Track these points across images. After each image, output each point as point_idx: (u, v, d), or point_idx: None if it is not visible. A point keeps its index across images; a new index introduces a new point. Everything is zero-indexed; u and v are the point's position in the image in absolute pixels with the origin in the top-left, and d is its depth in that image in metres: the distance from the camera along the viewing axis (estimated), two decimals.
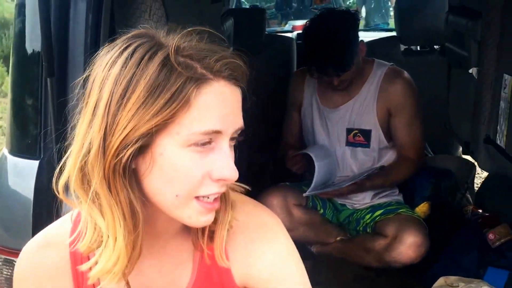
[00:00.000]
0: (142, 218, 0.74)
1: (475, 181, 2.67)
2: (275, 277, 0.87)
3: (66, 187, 0.76)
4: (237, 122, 0.74)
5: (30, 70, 1.18)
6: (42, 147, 1.14)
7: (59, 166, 0.76)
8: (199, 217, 0.76)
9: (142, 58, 0.70)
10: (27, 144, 1.18)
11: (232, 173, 0.73)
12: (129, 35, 0.74)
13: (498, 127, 1.54)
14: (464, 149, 2.06)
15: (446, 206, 2.14)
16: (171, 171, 0.72)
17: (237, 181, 0.83)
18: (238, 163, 0.84)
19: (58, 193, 0.77)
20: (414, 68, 2.21)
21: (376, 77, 2.01)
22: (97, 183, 0.71)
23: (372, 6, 6.65)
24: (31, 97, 1.16)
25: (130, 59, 0.70)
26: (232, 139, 0.76)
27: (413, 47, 2.87)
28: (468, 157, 2.30)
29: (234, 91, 0.74)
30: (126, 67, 0.70)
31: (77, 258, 0.83)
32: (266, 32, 3.13)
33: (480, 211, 2.04)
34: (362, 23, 6.14)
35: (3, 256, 1.16)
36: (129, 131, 0.69)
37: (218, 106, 0.71)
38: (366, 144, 2.03)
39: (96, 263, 0.76)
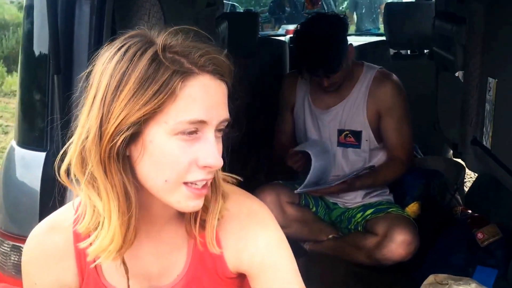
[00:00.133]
0: (135, 200, 0.80)
1: (466, 183, 2.74)
2: (266, 262, 0.92)
3: (69, 174, 0.83)
4: (221, 113, 0.80)
5: (38, 67, 1.24)
6: (48, 139, 1.20)
7: (60, 153, 0.83)
8: (188, 202, 0.81)
9: (134, 55, 0.77)
10: (35, 137, 1.24)
11: (216, 160, 0.79)
12: (126, 35, 0.81)
13: (484, 129, 1.56)
14: (453, 150, 2.11)
15: (436, 206, 2.19)
16: (160, 158, 0.78)
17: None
18: (233, 162, 0.90)
19: (60, 177, 0.84)
20: (403, 71, 2.26)
21: (365, 80, 2.06)
22: (94, 166, 0.78)
23: (363, 11, 6.74)
24: (39, 93, 1.23)
25: (124, 55, 0.77)
26: (219, 130, 0.82)
27: (402, 51, 2.93)
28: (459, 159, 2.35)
29: (219, 85, 0.80)
30: (120, 63, 0.77)
31: (79, 240, 0.88)
32: (259, 36, 3.19)
33: (470, 211, 2.09)
34: (353, 28, 6.23)
35: (11, 243, 1.21)
36: (122, 119, 0.76)
37: (203, 97, 0.78)
38: (357, 144, 2.07)
39: (93, 242, 0.83)
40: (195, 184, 0.80)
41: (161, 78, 0.75)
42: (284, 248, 0.94)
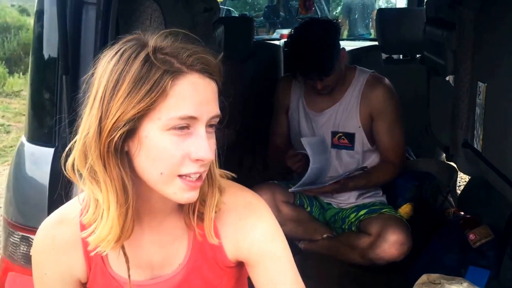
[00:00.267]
0: (131, 193, 0.85)
1: (460, 186, 2.77)
2: (264, 251, 0.97)
3: (76, 169, 0.88)
4: (211, 110, 0.85)
5: (47, 68, 1.29)
6: (57, 136, 1.25)
7: (67, 149, 0.89)
8: (183, 194, 0.86)
9: (129, 57, 0.82)
10: (44, 133, 1.30)
11: (207, 154, 0.84)
12: (123, 40, 0.87)
13: (475, 132, 1.58)
14: (445, 153, 2.14)
15: (428, 208, 2.21)
16: (154, 152, 0.83)
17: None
18: (229, 162, 0.95)
19: (66, 171, 0.89)
20: (395, 75, 2.29)
21: (358, 83, 2.10)
22: (94, 160, 0.84)
23: (356, 16, 6.82)
24: (48, 92, 1.28)
25: (120, 58, 0.83)
26: (211, 126, 0.87)
27: (394, 56, 2.97)
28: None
29: (208, 83, 0.85)
30: (117, 65, 0.83)
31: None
32: (254, 40, 3.22)
33: (462, 213, 2.11)
34: (345, 33, 6.30)
35: (21, 233, 1.26)
36: (119, 116, 0.81)
37: (192, 95, 0.83)
38: (350, 146, 2.11)
39: (93, 232, 0.88)
40: (189, 176, 0.85)
41: (152, 78, 0.81)
42: (280, 238, 0.99)
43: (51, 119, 1.27)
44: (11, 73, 7.71)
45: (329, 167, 2.10)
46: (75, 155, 0.87)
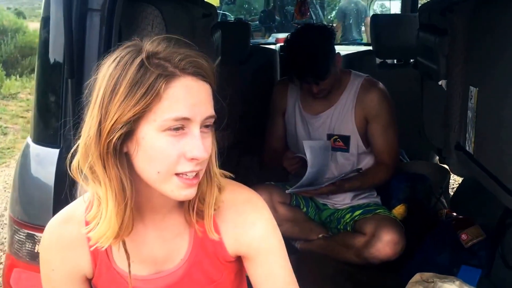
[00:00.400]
0: (129, 192, 0.89)
1: (454, 188, 2.80)
2: (264, 245, 1.02)
3: (80, 169, 0.93)
4: (205, 111, 0.90)
5: (53, 72, 1.33)
6: (62, 137, 1.29)
7: (72, 150, 0.93)
8: (180, 191, 0.90)
9: (126, 62, 0.87)
10: (49, 135, 1.33)
11: (202, 153, 0.88)
12: (122, 46, 0.91)
13: (467, 135, 1.60)
14: (437, 155, 2.17)
15: (422, 208, 2.25)
16: (151, 152, 0.88)
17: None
18: (226, 164, 0.99)
19: (71, 171, 0.93)
20: (389, 80, 2.33)
21: (353, 87, 2.15)
22: (94, 161, 0.88)
23: (351, 22, 6.89)
24: (54, 95, 1.32)
25: (118, 64, 0.88)
26: (206, 126, 0.91)
27: (388, 61, 3.00)
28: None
29: (201, 85, 0.90)
30: (115, 70, 0.87)
31: None
32: (251, 44, 3.26)
33: (455, 214, 2.13)
34: (339, 38, 6.36)
35: (26, 231, 1.30)
36: (117, 119, 0.86)
37: (185, 97, 0.87)
38: (346, 149, 2.15)
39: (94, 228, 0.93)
40: (186, 175, 0.89)
41: (147, 82, 0.85)
42: (277, 233, 1.05)
43: (57, 121, 1.31)
44: (8, 75, 7.73)
45: (327, 170, 2.13)
46: (79, 157, 0.92)
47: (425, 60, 2.01)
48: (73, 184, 1.17)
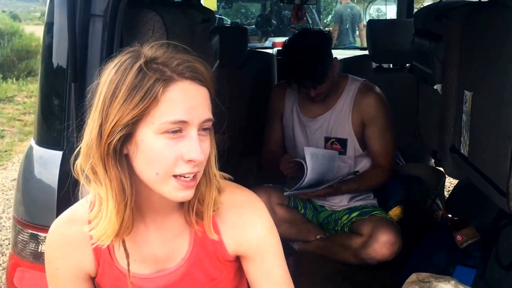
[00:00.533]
0: (129, 193, 0.92)
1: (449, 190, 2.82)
2: (263, 245, 1.05)
3: (82, 170, 0.95)
4: (202, 114, 0.92)
5: (56, 76, 1.36)
6: (65, 139, 1.32)
7: (75, 152, 0.96)
8: (178, 193, 0.93)
9: (126, 67, 0.90)
10: (53, 137, 1.36)
11: (198, 155, 0.91)
12: (123, 51, 0.95)
13: (461, 138, 1.62)
14: (433, 157, 2.20)
15: (418, 210, 2.27)
16: (150, 154, 0.90)
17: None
18: (224, 167, 1.02)
19: (75, 173, 0.96)
20: (385, 84, 2.36)
21: (350, 91, 2.18)
22: (95, 162, 0.91)
23: (347, 27, 6.96)
24: (57, 98, 1.35)
25: (119, 68, 0.91)
26: (204, 129, 0.94)
27: (384, 65, 3.04)
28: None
29: (199, 89, 0.92)
30: (115, 75, 0.90)
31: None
32: (248, 48, 3.29)
33: (450, 215, 2.16)
34: (334, 42, 6.42)
35: (30, 231, 1.32)
36: (116, 121, 0.89)
37: (183, 100, 0.90)
38: (343, 151, 2.18)
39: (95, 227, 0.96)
40: (184, 176, 0.92)
41: (145, 86, 0.88)
42: (275, 233, 1.08)
43: (60, 123, 1.33)
44: (4, 78, 7.74)
45: (331, 179, 2.12)
46: (81, 158, 0.94)
47: (421, 64, 2.03)
48: (76, 185, 1.19)
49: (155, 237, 1.04)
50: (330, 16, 9.18)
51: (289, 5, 5.04)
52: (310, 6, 5.52)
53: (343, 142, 2.19)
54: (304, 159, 2.03)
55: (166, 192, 0.93)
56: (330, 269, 2.06)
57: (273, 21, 6.65)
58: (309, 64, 2.02)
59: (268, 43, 5.19)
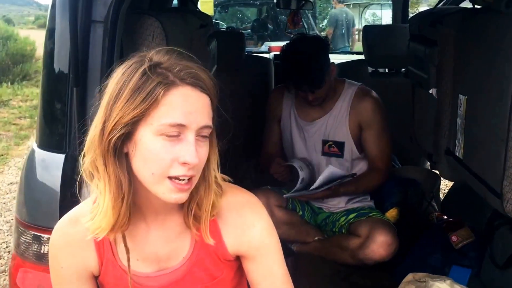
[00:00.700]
0: (126, 189, 0.95)
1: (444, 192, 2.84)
2: (263, 244, 1.08)
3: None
4: (201, 120, 0.95)
5: (58, 81, 1.38)
6: (67, 143, 1.35)
7: (83, 152, 0.99)
8: (171, 194, 0.96)
9: (132, 70, 0.94)
10: (55, 140, 1.38)
11: (193, 158, 0.94)
12: (132, 56, 0.99)
13: (456, 141, 1.65)
14: (428, 160, 2.22)
15: (413, 212, 2.30)
16: (147, 153, 0.94)
17: None
18: (222, 171, 1.04)
19: (81, 169, 0.99)
20: (381, 88, 2.39)
21: (347, 95, 2.21)
22: (96, 157, 0.95)
23: (343, 31, 7.01)
24: (59, 102, 1.37)
25: (126, 71, 0.95)
26: (203, 136, 0.96)
27: (380, 70, 3.06)
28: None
29: (199, 96, 0.95)
30: (122, 76, 0.95)
31: None
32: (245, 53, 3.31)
33: (445, 217, 2.19)
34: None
35: (33, 232, 1.34)
36: (118, 120, 0.92)
37: (182, 105, 0.93)
38: (340, 154, 2.21)
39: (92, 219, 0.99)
40: (178, 179, 0.95)
41: (147, 88, 0.92)
42: (275, 233, 1.11)
43: (62, 127, 1.36)
44: None
45: (315, 177, 2.17)
46: (85, 153, 0.98)
47: (416, 69, 2.06)
48: (78, 188, 1.21)
49: (156, 236, 1.06)
50: (325, 21, 9.22)
51: (285, 10, 5.06)
52: (306, 11, 5.55)
53: (340, 145, 2.22)
54: (298, 161, 2.07)
55: (160, 193, 0.95)
56: (328, 269, 2.09)
57: (269, 26, 6.69)
58: (307, 69, 2.05)
59: (264, 48, 5.21)
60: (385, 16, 7.08)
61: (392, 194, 2.26)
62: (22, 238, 1.36)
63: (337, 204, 2.26)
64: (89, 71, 1.32)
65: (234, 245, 1.08)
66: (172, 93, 0.92)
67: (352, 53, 5.09)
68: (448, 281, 1.58)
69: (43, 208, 1.36)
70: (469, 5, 1.72)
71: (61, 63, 1.36)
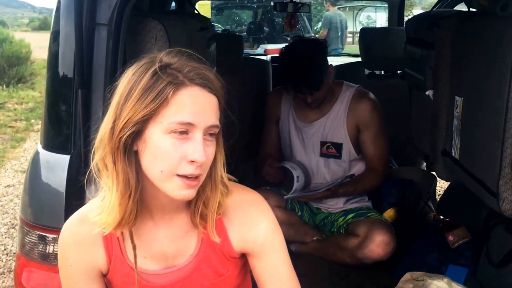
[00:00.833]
0: (133, 186, 0.98)
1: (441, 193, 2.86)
2: (268, 242, 1.10)
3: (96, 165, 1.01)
4: (209, 119, 0.98)
5: (62, 83, 1.41)
6: (72, 144, 1.36)
7: (94, 149, 1.01)
8: (180, 191, 0.98)
9: (142, 71, 0.97)
10: (60, 142, 1.40)
11: (200, 156, 0.96)
12: (144, 57, 1.01)
13: (452, 142, 1.67)
14: (425, 161, 2.24)
15: (411, 212, 2.33)
16: (156, 151, 0.96)
17: None
18: (227, 169, 1.06)
19: (92, 165, 1.01)
20: (378, 90, 2.41)
21: (345, 97, 2.24)
22: (106, 154, 0.98)
23: (339, 34, 7.05)
24: (64, 104, 1.39)
25: (136, 71, 0.98)
26: (211, 135, 0.99)
27: (376, 72, 3.09)
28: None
29: (207, 96, 0.98)
30: (133, 76, 0.97)
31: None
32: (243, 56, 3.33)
33: (441, 217, 2.22)
34: None
35: (38, 233, 1.36)
36: (129, 118, 0.95)
37: (190, 104, 0.96)
38: (338, 155, 2.24)
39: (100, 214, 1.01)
40: (186, 177, 0.97)
41: (157, 88, 0.94)
42: (280, 231, 1.13)
43: (67, 128, 1.38)
44: None
45: (309, 175, 2.20)
46: (94, 150, 1.00)
47: (413, 71, 2.09)
48: (81, 185, 1.23)
49: (164, 234, 1.08)
50: (320, 23, 9.27)
51: (281, 13, 5.10)
52: (302, 13, 5.58)
53: (338, 147, 2.24)
54: (289, 162, 2.09)
55: (169, 189, 0.98)
56: (327, 269, 2.11)
57: (264, 28, 6.73)
58: (306, 71, 2.08)
59: (260, 50, 5.25)
60: (380, 19, 7.13)
61: (389, 195, 2.29)
62: (27, 238, 1.38)
63: (335, 204, 2.28)
64: (93, 73, 1.34)
65: (240, 242, 1.10)
66: (182, 92, 0.95)
67: (348, 55, 5.12)
68: (446, 280, 1.60)
69: (48, 208, 1.38)
70: (465, 8, 1.75)
71: (66, 65, 1.38)
